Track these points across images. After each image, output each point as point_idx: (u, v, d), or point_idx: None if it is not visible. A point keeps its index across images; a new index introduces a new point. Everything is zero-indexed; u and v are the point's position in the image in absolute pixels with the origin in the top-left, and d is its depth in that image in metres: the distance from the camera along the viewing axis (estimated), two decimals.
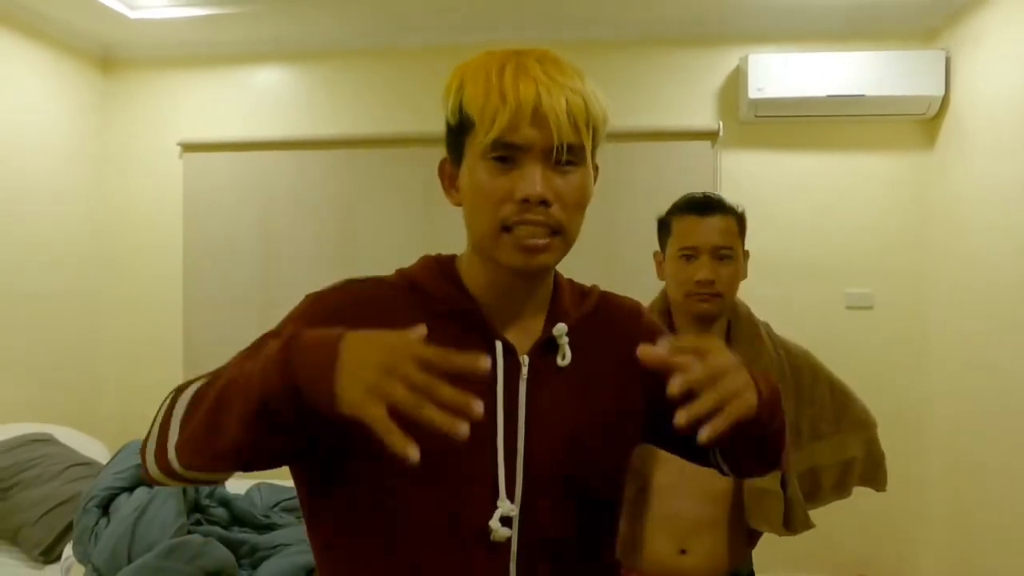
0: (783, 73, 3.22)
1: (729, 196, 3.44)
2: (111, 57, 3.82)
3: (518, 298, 0.99)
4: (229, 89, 3.78)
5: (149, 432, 0.89)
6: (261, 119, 3.74)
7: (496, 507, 0.92)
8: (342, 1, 3.28)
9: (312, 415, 0.77)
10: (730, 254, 1.61)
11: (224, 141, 3.73)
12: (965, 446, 3.07)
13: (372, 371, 0.72)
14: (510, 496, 0.93)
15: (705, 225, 1.60)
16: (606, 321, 1.06)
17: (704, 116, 3.48)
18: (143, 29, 3.53)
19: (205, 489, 2.59)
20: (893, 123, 3.38)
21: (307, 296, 0.99)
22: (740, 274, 1.66)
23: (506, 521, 0.93)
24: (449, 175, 0.99)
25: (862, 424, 1.76)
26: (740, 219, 1.65)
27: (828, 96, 3.20)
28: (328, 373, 0.74)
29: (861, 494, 3.43)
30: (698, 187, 3.35)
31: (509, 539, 0.93)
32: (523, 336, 0.99)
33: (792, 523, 1.62)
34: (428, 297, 0.97)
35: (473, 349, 0.89)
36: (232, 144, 3.73)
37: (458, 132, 0.94)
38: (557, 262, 0.96)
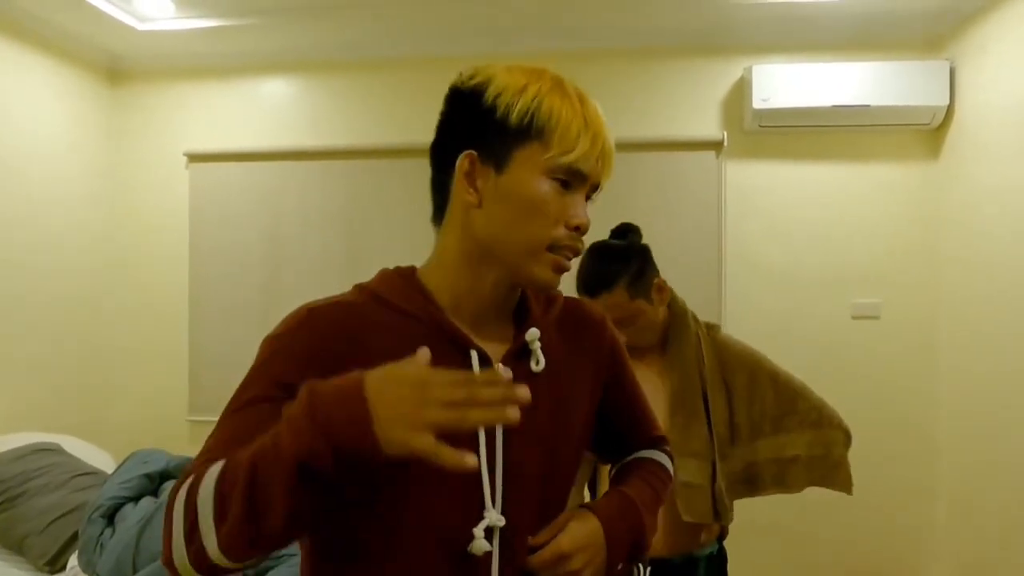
0: (788, 83, 3.22)
1: (734, 207, 3.48)
2: (119, 68, 3.85)
3: (491, 307, 0.99)
4: (235, 100, 3.80)
5: (170, 543, 0.81)
6: (267, 130, 3.76)
7: (483, 518, 0.92)
8: (347, 12, 3.30)
9: (349, 461, 0.75)
10: (624, 320, 1.73)
11: (230, 151, 3.75)
12: (974, 455, 3.06)
13: (407, 406, 0.73)
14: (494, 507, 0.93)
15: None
16: (573, 326, 1.08)
17: (708, 126, 3.49)
18: (150, 40, 3.56)
19: None
20: (898, 133, 3.38)
21: (268, 340, 0.93)
22: (648, 316, 1.79)
23: (489, 533, 0.92)
24: (470, 172, 0.94)
25: (810, 425, 1.82)
26: (631, 279, 1.74)
27: (833, 106, 3.20)
28: (364, 422, 0.73)
29: (869, 503, 3.43)
30: (703, 198, 3.40)
31: (490, 553, 0.93)
32: (494, 344, 0.98)
33: (720, 515, 1.74)
34: (396, 310, 0.95)
35: (448, 360, 0.91)
36: (238, 154, 3.74)
37: (513, 135, 0.91)
38: None
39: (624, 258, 1.75)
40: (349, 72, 3.71)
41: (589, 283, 1.74)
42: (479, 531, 0.91)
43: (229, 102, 3.80)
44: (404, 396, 0.73)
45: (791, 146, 3.45)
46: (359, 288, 0.99)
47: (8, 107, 3.23)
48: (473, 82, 0.95)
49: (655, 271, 1.81)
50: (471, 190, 0.94)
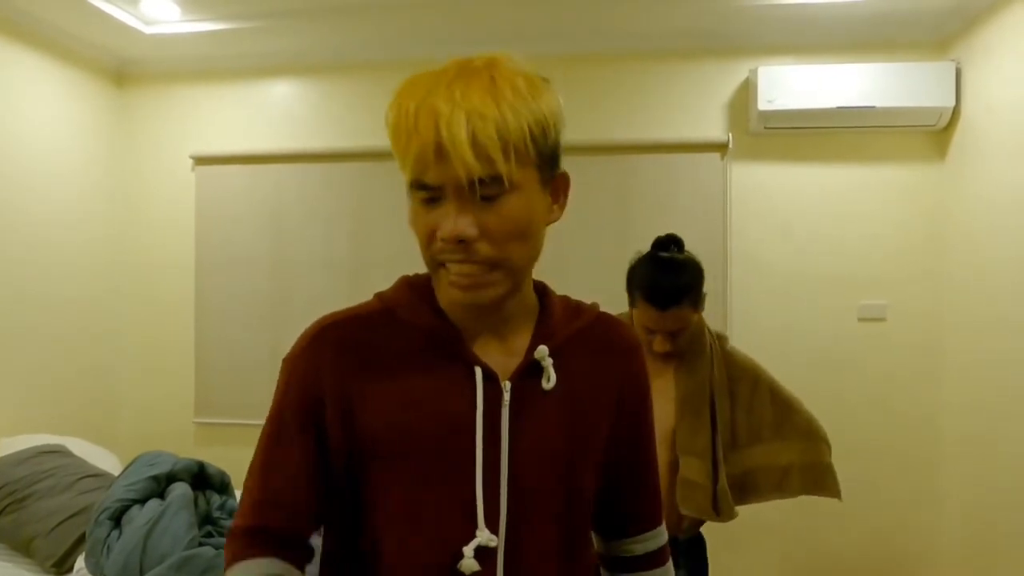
0: (793, 85, 3.22)
1: (739, 208, 3.47)
2: (125, 71, 3.86)
3: (494, 319, 0.95)
4: (241, 103, 3.81)
5: None
6: (272, 132, 3.77)
7: (475, 538, 0.90)
8: (352, 15, 3.31)
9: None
10: (681, 331, 1.88)
11: (236, 154, 3.76)
12: (980, 459, 3.04)
13: None
14: (493, 528, 0.91)
15: (663, 318, 1.83)
16: (599, 342, 1.02)
17: (714, 128, 3.49)
18: (157, 44, 3.57)
19: (216, 501, 2.60)
20: (904, 134, 3.37)
21: (286, 361, 0.96)
22: (696, 327, 1.94)
23: (483, 552, 0.90)
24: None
25: (803, 435, 1.97)
26: (694, 299, 1.87)
27: (838, 108, 3.19)
28: None
29: (876, 505, 3.42)
30: (708, 199, 3.40)
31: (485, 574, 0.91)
32: (506, 358, 0.95)
33: (720, 512, 1.88)
34: (405, 322, 0.95)
35: (453, 377, 0.92)
36: (244, 157, 3.75)
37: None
38: (507, 293, 0.90)
39: (691, 272, 1.87)
40: (355, 75, 3.71)
41: (661, 297, 1.81)
42: (469, 550, 0.89)
43: (235, 105, 3.81)
44: None
45: (796, 148, 3.44)
46: (378, 297, 0.99)
47: (15, 110, 3.24)
48: None
49: None
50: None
